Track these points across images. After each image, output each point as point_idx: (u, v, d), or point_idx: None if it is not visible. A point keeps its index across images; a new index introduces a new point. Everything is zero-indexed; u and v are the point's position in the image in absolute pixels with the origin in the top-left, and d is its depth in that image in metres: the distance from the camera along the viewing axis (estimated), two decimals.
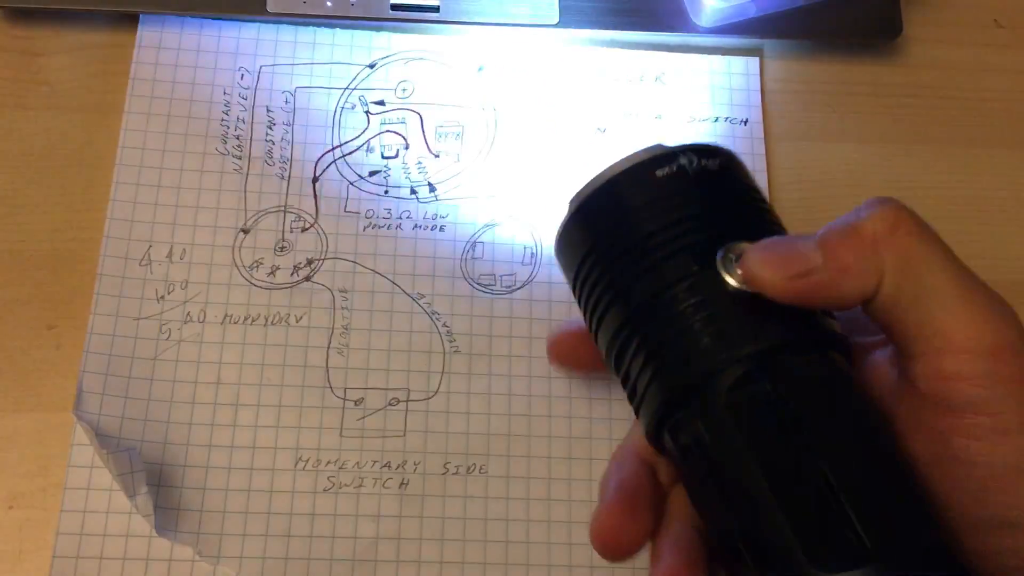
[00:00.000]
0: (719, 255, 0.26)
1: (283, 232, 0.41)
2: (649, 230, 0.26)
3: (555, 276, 0.42)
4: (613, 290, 0.27)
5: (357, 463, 0.38)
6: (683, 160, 0.27)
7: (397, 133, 0.43)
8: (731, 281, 0.25)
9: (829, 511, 0.22)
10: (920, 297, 0.25)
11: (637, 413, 0.27)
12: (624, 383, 0.27)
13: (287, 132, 0.43)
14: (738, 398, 0.24)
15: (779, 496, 0.23)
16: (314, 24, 0.44)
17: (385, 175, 0.43)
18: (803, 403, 0.24)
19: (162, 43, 0.43)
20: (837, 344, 0.26)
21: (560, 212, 0.42)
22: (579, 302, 0.29)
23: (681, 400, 0.25)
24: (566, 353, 0.34)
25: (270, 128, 0.43)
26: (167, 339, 0.39)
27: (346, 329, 0.40)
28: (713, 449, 0.25)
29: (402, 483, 0.38)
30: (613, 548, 0.28)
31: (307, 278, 0.41)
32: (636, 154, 0.28)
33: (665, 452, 0.27)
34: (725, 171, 0.28)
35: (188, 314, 0.39)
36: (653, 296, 0.26)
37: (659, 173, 0.27)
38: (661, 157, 0.27)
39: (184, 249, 0.40)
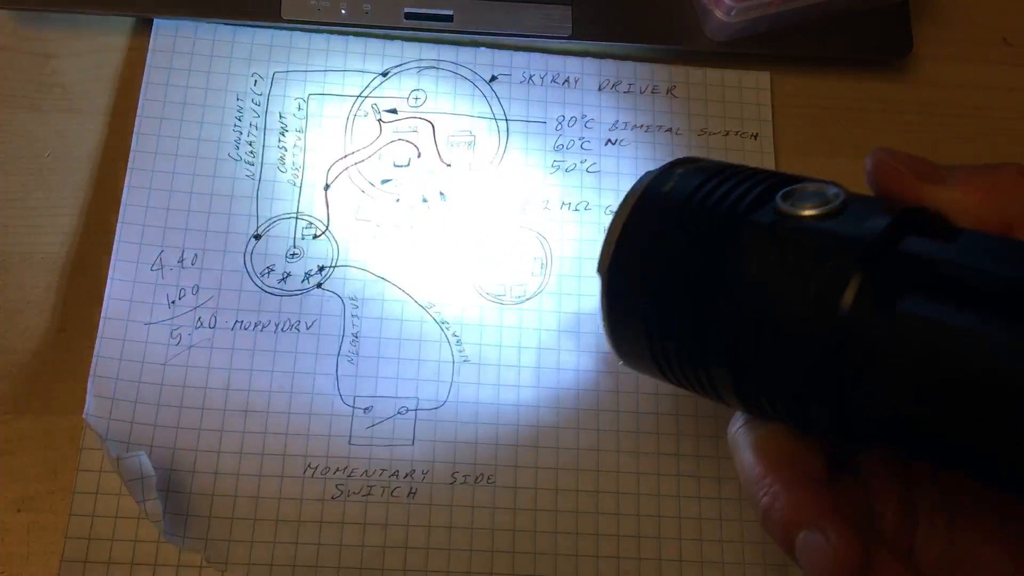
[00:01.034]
0: (778, 197, 0.24)
1: (295, 239, 0.41)
2: (703, 220, 0.25)
3: (565, 287, 0.42)
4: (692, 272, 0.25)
5: (365, 471, 0.38)
6: (686, 164, 0.27)
7: (409, 142, 0.43)
8: (805, 215, 0.23)
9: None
10: None
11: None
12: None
13: (299, 139, 0.43)
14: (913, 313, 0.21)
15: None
16: (328, 31, 0.44)
17: (396, 183, 0.43)
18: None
19: (176, 47, 0.43)
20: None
21: (572, 228, 0.42)
22: (682, 383, 0.27)
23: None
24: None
25: (283, 135, 0.43)
26: (178, 344, 0.39)
27: (356, 337, 0.40)
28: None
29: (410, 492, 0.38)
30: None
31: (318, 285, 0.41)
32: (637, 184, 0.28)
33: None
34: (710, 167, 0.28)
35: (199, 319, 0.40)
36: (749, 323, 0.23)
37: (665, 188, 0.27)
38: (659, 174, 0.27)
39: (196, 254, 0.40)
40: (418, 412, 0.39)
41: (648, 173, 0.28)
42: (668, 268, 0.25)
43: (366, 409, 0.39)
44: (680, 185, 0.27)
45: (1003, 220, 0.25)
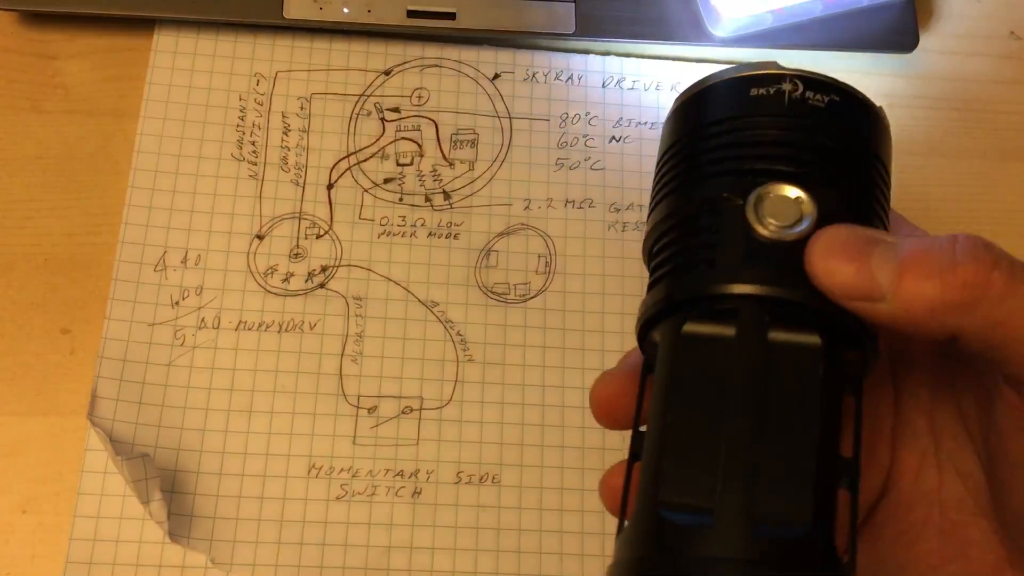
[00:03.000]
0: (753, 192, 0.24)
1: (298, 239, 0.41)
2: (715, 144, 0.25)
3: (569, 285, 0.41)
4: (666, 189, 0.26)
5: (370, 471, 0.38)
6: (785, 85, 0.25)
7: (412, 140, 0.43)
8: (750, 221, 0.24)
9: (701, 467, 0.23)
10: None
11: None
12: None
13: (302, 138, 0.43)
14: (691, 332, 0.24)
15: (669, 434, 0.24)
16: (330, 30, 0.44)
17: (400, 182, 0.43)
18: (748, 367, 0.23)
19: (178, 48, 0.43)
20: (838, 329, 0.25)
21: (577, 225, 0.42)
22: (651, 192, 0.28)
23: (662, 314, 0.25)
24: (613, 406, 0.30)
25: (285, 134, 0.43)
26: (181, 345, 0.39)
27: (360, 337, 0.40)
28: (658, 366, 0.25)
29: (415, 492, 0.38)
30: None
31: (321, 285, 0.41)
32: (745, 66, 0.26)
33: (644, 353, 0.27)
34: (832, 111, 0.25)
35: (202, 320, 0.39)
36: (685, 209, 0.25)
37: (753, 92, 0.25)
38: (764, 76, 0.25)
39: (199, 255, 0.40)
40: (422, 412, 0.39)
41: (774, 63, 0.26)
42: (698, 139, 0.26)
43: (370, 409, 0.39)
44: (758, 104, 0.25)
45: (960, 333, 0.22)
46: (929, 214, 0.45)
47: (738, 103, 0.25)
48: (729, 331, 0.24)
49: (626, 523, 0.24)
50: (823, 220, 0.24)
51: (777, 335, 0.23)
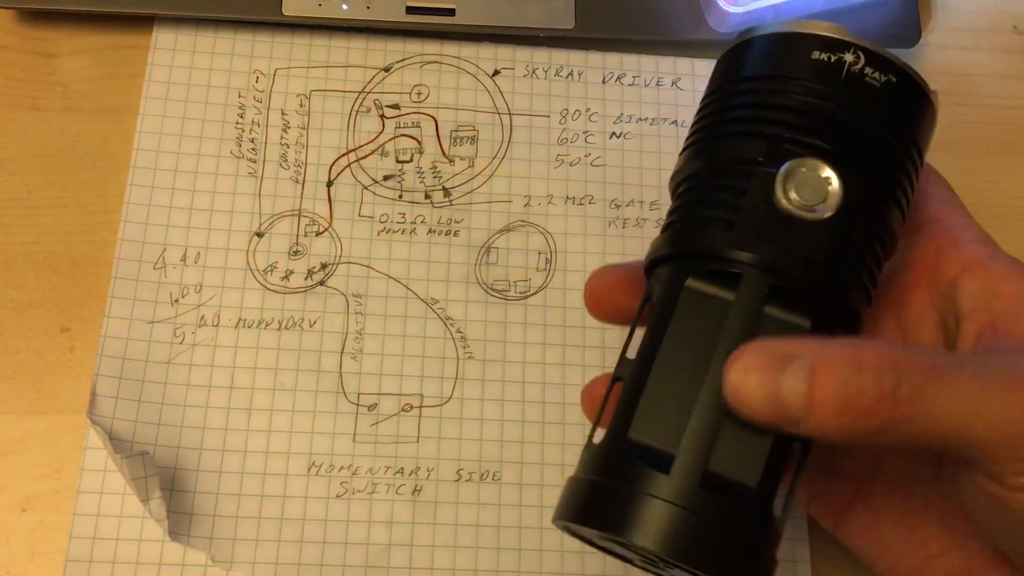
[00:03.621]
0: (785, 165, 0.24)
1: (297, 236, 0.41)
2: (762, 101, 0.25)
3: (570, 282, 0.41)
4: (703, 134, 0.27)
5: (370, 469, 0.38)
6: (848, 56, 0.25)
7: (412, 137, 0.43)
8: (776, 192, 0.24)
9: (672, 416, 0.24)
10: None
11: None
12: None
13: (301, 135, 0.43)
14: (694, 287, 0.25)
15: (652, 378, 0.25)
16: (329, 27, 0.44)
17: (399, 179, 0.42)
18: (737, 334, 0.24)
19: (177, 45, 0.43)
20: (832, 310, 0.25)
21: (577, 222, 0.42)
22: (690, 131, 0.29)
23: (669, 258, 0.26)
24: (604, 296, 0.31)
25: (285, 131, 0.43)
26: (181, 343, 0.39)
27: (360, 334, 0.40)
28: (657, 307, 0.26)
29: (415, 489, 0.38)
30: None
31: (321, 282, 0.40)
32: (815, 24, 0.26)
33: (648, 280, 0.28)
34: (886, 92, 0.25)
35: (202, 318, 0.39)
36: (719, 160, 0.26)
37: (814, 55, 0.25)
38: (830, 41, 0.25)
39: (198, 252, 0.40)
40: (423, 409, 0.39)
41: (843, 29, 0.26)
42: (747, 90, 0.26)
43: (370, 407, 0.39)
44: (816, 70, 0.25)
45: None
46: None
47: (796, 62, 0.25)
48: (729, 295, 0.25)
49: (595, 441, 0.26)
50: (846, 207, 0.24)
51: (771, 310, 0.24)
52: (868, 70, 0.25)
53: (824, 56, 0.25)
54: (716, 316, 0.25)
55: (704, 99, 0.28)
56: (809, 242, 0.24)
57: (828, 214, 0.24)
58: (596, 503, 0.24)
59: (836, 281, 0.25)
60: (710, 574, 0.23)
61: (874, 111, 0.25)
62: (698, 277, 0.25)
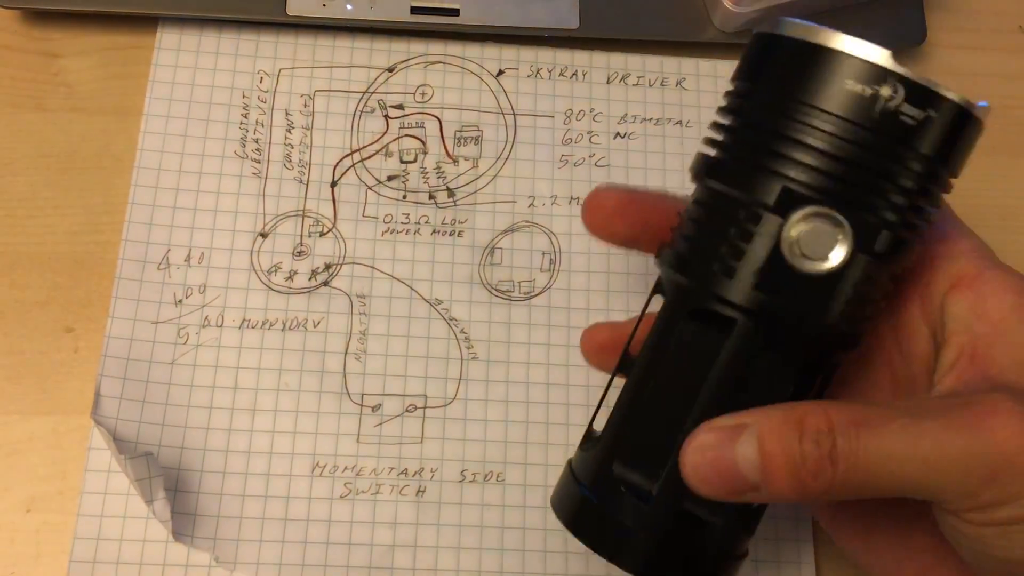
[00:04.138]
0: (794, 214, 0.23)
1: (301, 236, 0.41)
2: (785, 132, 0.24)
3: (574, 283, 0.41)
4: (733, 137, 0.26)
5: (374, 470, 0.38)
6: (885, 91, 0.23)
7: (416, 137, 0.43)
8: (781, 243, 0.24)
9: (656, 450, 0.26)
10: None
11: None
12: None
13: (306, 136, 0.43)
14: (690, 326, 0.26)
15: (642, 406, 0.27)
16: (333, 27, 0.44)
17: (403, 180, 0.42)
18: (724, 378, 0.25)
19: (182, 45, 0.43)
20: (820, 359, 0.27)
21: (577, 220, 0.42)
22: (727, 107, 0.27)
23: (675, 270, 0.27)
24: (604, 218, 0.31)
25: (289, 132, 0.43)
26: (185, 343, 0.39)
27: (364, 335, 0.40)
28: (654, 330, 0.27)
29: (419, 490, 0.38)
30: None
31: (325, 283, 0.40)
32: (859, 44, 0.23)
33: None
34: (921, 132, 0.23)
35: (206, 318, 0.39)
36: (737, 190, 0.25)
37: (848, 85, 0.23)
38: (870, 69, 0.23)
39: (202, 253, 0.40)
40: (427, 410, 0.39)
41: (889, 54, 0.23)
42: (770, 106, 0.25)
43: (374, 407, 0.39)
44: (846, 102, 0.23)
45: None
46: None
47: (829, 90, 0.23)
48: (721, 338, 0.25)
49: (594, 435, 0.29)
50: (850, 261, 0.24)
51: (766, 356, 0.25)
52: (906, 107, 0.23)
53: (859, 88, 0.23)
54: (705, 357, 0.25)
55: (743, 83, 0.26)
56: (807, 296, 0.24)
57: (833, 266, 0.24)
58: (586, 520, 0.27)
59: (828, 336, 0.25)
60: None
61: (906, 155, 0.23)
62: (694, 315, 0.26)
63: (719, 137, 0.26)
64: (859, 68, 0.23)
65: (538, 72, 0.44)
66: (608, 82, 0.45)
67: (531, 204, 0.42)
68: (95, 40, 0.44)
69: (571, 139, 0.44)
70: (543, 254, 0.42)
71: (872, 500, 0.29)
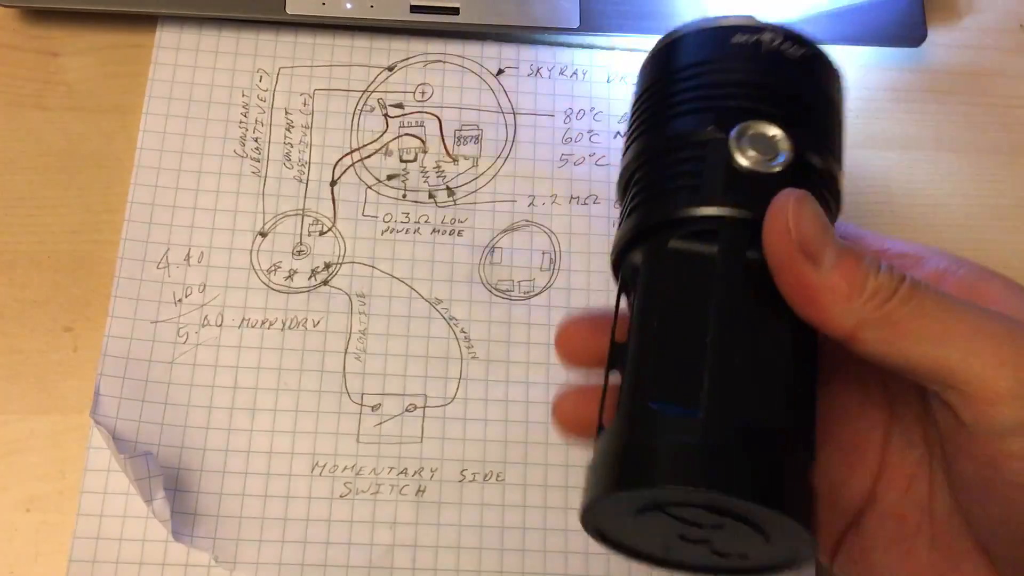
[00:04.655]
0: (736, 127, 0.26)
1: (301, 236, 0.41)
2: (701, 83, 0.27)
3: (574, 282, 0.41)
4: (648, 123, 0.28)
5: (374, 469, 0.38)
6: (765, 36, 0.27)
7: (415, 136, 0.43)
8: (733, 153, 0.26)
9: (687, 367, 0.25)
10: (938, 343, 0.24)
11: None
12: (620, 213, 0.29)
13: (305, 135, 0.42)
14: (677, 248, 0.26)
15: (656, 338, 0.26)
16: (333, 26, 0.44)
17: (403, 179, 0.42)
18: (728, 280, 0.25)
19: (181, 44, 0.43)
20: None
21: (581, 222, 0.42)
22: (628, 128, 0.30)
23: (646, 233, 0.27)
24: (575, 346, 0.31)
25: (288, 131, 0.42)
26: (184, 343, 0.39)
27: (363, 334, 0.40)
28: (642, 279, 0.27)
29: (419, 490, 0.38)
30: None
31: (325, 282, 0.40)
32: (727, 17, 0.28)
33: (618, 280, 0.29)
34: (803, 63, 0.28)
35: (205, 317, 0.39)
36: (672, 140, 0.27)
37: (736, 39, 0.27)
38: (746, 26, 0.28)
39: (202, 252, 0.40)
40: (426, 409, 0.39)
41: (751, 17, 0.28)
42: (681, 79, 0.28)
43: (374, 407, 0.39)
44: (739, 51, 0.28)
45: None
46: (937, 209, 0.44)
47: (720, 48, 0.28)
48: (711, 248, 0.26)
49: (605, 428, 0.26)
50: (797, 158, 0.26)
51: (753, 254, 0.25)
52: (786, 45, 0.27)
53: (744, 38, 0.27)
54: (704, 269, 0.26)
55: (639, 96, 0.30)
56: (771, 191, 0.26)
57: (784, 166, 0.26)
58: (637, 462, 0.24)
59: None
60: (774, 508, 0.23)
61: (799, 77, 0.28)
62: (678, 239, 0.26)
63: (644, 118, 0.29)
64: (739, 27, 0.28)
65: (538, 71, 0.44)
66: (608, 81, 0.45)
67: (531, 203, 0.42)
68: (95, 39, 0.44)
69: (571, 138, 0.44)
70: (543, 253, 0.42)
71: (874, 515, 0.29)
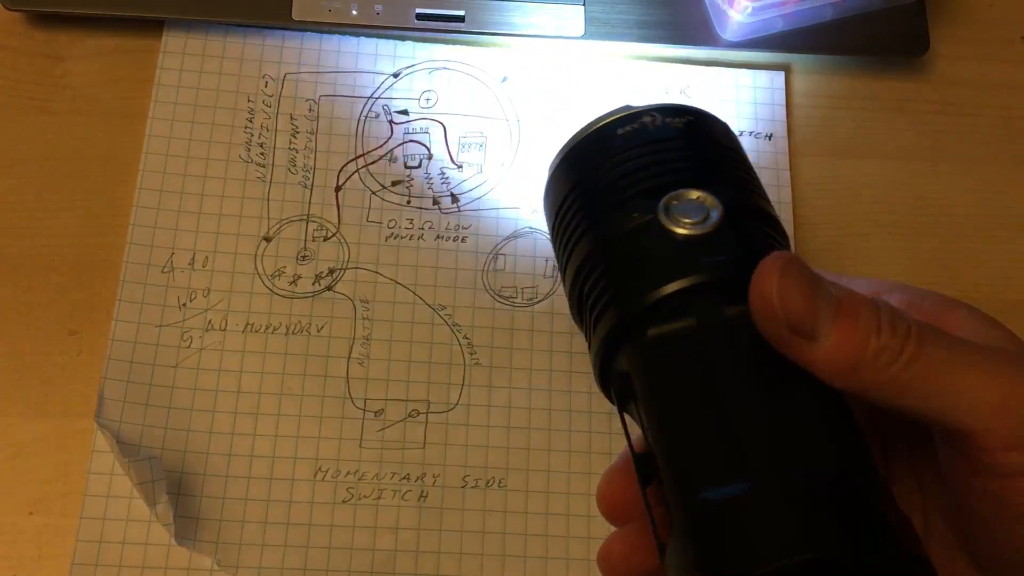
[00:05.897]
0: (659, 203, 0.26)
1: (305, 241, 0.41)
2: (608, 181, 0.27)
3: None
4: (573, 240, 0.28)
5: (376, 475, 0.38)
6: (646, 119, 0.28)
7: (420, 143, 0.43)
8: (667, 227, 0.26)
9: (723, 438, 0.23)
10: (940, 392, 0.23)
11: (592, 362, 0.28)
12: (585, 335, 0.28)
13: (310, 140, 0.43)
14: (659, 333, 0.25)
15: (679, 429, 0.25)
16: (339, 32, 0.44)
17: (408, 185, 0.42)
18: (720, 344, 0.25)
19: (187, 49, 0.43)
20: None
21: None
22: (557, 255, 0.30)
23: (619, 340, 0.26)
24: (617, 500, 0.29)
25: (294, 136, 0.43)
26: (188, 347, 0.39)
27: (367, 340, 0.40)
28: (637, 380, 0.26)
29: (421, 496, 0.38)
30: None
31: (328, 288, 0.40)
32: (603, 116, 0.29)
33: (610, 398, 0.28)
34: (690, 129, 0.28)
35: (209, 322, 0.39)
36: (603, 244, 0.27)
37: (620, 131, 0.28)
38: (625, 117, 0.28)
39: (206, 256, 0.40)
40: (429, 415, 0.39)
41: (626, 107, 0.29)
42: (582, 188, 0.29)
43: (377, 412, 0.39)
44: (630, 139, 0.28)
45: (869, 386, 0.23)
46: (939, 220, 0.45)
47: (611, 145, 0.28)
48: (690, 321, 0.25)
49: (667, 545, 0.24)
50: (728, 208, 0.26)
51: (731, 310, 0.25)
52: (668, 120, 0.28)
53: (628, 128, 0.28)
54: (692, 345, 0.25)
55: (554, 221, 0.30)
56: (720, 246, 0.26)
57: (720, 219, 0.26)
58: (726, 556, 0.22)
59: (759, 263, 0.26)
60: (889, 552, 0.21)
61: (693, 140, 0.28)
62: (655, 327, 0.25)
63: (569, 232, 0.29)
64: (620, 120, 0.28)
65: (543, 79, 0.45)
66: (612, 90, 0.45)
67: (535, 210, 0.42)
68: (100, 43, 0.44)
69: None
70: (546, 260, 0.42)
71: None
